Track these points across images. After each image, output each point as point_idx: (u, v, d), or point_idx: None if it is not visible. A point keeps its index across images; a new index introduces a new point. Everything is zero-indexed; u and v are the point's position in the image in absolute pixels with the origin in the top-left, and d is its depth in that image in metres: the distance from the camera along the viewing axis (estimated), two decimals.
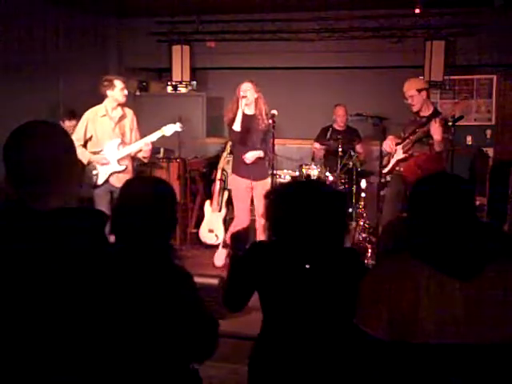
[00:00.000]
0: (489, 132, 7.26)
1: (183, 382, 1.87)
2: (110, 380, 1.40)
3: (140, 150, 4.94)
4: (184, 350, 1.82)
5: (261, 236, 5.12)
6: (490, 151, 7.00)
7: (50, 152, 1.41)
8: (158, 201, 1.89)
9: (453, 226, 1.61)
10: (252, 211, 5.33)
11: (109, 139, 4.90)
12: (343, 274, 1.99)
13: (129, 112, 5.04)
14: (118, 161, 4.89)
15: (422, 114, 4.93)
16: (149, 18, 7.67)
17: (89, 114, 4.97)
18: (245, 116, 5.00)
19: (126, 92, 4.92)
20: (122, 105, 4.95)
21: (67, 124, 5.80)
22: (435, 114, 4.87)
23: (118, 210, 1.92)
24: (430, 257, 1.59)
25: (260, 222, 5.10)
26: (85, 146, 4.93)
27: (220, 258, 5.41)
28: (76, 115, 5.86)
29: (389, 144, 5.02)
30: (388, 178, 5.19)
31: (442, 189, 1.66)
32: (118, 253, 1.79)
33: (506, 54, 6.79)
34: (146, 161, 5.24)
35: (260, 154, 5.04)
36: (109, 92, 4.86)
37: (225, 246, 5.43)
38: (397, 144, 5.01)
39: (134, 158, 5.07)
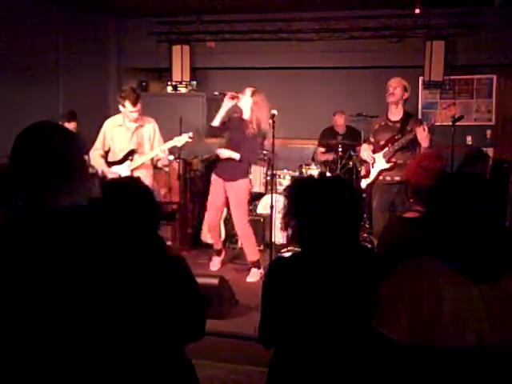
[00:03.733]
0: (489, 132, 7.25)
1: (177, 370, 1.93)
2: (109, 367, 1.42)
3: (159, 159, 4.97)
4: (178, 331, 1.91)
5: (244, 241, 5.23)
6: (490, 151, 6.99)
7: (62, 151, 1.44)
8: (137, 199, 2.02)
9: (476, 228, 1.58)
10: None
11: (126, 149, 4.92)
12: (361, 272, 1.94)
13: (149, 122, 5.00)
14: (132, 171, 4.88)
15: (392, 117, 4.79)
16: (149, 18, 7.67)
17: (107, 124, 5.01)
18: (239, 119, 5.06)
19: (135, 115, 4.82)
20: (140, 115, 4.92)
21: (66, 126, 5.77)
22: (408, 117, 4.78)
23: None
24: (452, 260, 1.57)
25: (238, 225, 5.19)
26: (107, 154, 4.99)
27: (214, 264, 5.45)
28: (75, 117, 5.86)
29: (368, 154, 4.89)
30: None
31: (465, 189, 1.62)
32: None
33: (506, 54, 6.79)
34: (166, 169, 5.28)
35: (235, 155, 5.01)
36: (120, 107, 4.86)
37: (218, 253, 5.45)
38: (373, 152, 4.88)
39: (155, 167, 5.08)
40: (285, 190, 2.17)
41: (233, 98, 4.96)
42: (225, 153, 5.05)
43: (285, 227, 2.05)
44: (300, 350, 1.92)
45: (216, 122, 5.07)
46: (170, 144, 4.95)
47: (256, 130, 4.95)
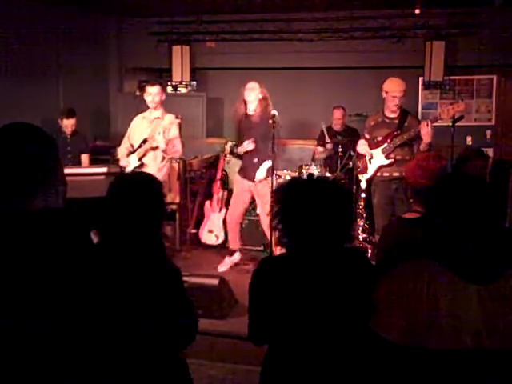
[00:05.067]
0: (489, 132, 7.26)
1: (169, 371, 1.92)
2: (100, 369, 1.41)
3: (164, 149, 5.04)
4: (167, 338, 1.88)
5: (268, 232, 5.16)
6: (490, 151, 6.99)
7: (35, 154, 1.41)
8: (145, 197, 1.99)
9: (474, 229, 1.57)
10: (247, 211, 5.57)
11: (141, 137, 5.12)
12: (352, 275, 1.94)
13: (168, 116, 5.13)
14: (140, 158, 5.07)
15: (389, 114, 4.81)
16: (149, 18, 7.67)
17: (135, 119, 5.29)
18: (247, 116, 5.08)
19: (150, 98, 5.08)
20: (162, 108, 5.17)
21: (65, 122, 5.78)
22: (405, 114, 4.81)
23: (107, 207, 1.98)
24: (449, 261, 1.56)
25: (264, 221, 5.19)
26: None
27: (225, 264, 5.37)
28: (75, 114, 5.86)
29: (365, 148, 4.90)
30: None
31: (465, 191, 1.62)
32: (107, 248, 1.88)
33: (506, 54, 6.79)
34: (167, 156, 5.18)
35: (249, 145, 5.03)
36: (144, 95, 5.15)
37: (231, 254, 5.40)
38: (371, 147, 4.88)
39: (165, 158, 5.17)
40: (274, 191, 2.16)
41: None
42: (243, 148, 5.10)
43: (274, 228, 2.06)
44: (289, 349, 1.93)
45: (241, 151, 5.19)
46: (162, 128, 5.01)
47: (266, 122, 4.89)
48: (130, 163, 5.09)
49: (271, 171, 4.84)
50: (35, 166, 1.41)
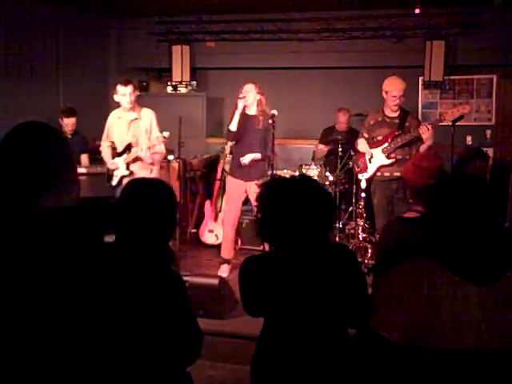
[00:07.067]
0: (489, 132, 7.25)
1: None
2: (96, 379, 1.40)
3: (151, 162, 4.93)
4: (167, 353, 1.82)
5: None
6: (490, 151, 6.99)
7: (47, 153, 1.41)
8: (157, 204, 1.92)
9: (474, 229, 1.58)
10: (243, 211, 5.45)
11: (124, 141, 4.96)
12: (337, 270, 1.96)
13: (146, 114, 4.96)
14: (127, 164, 4.92)
15: (390, 113, 4.83)
16: (149, 18, 7.67)
17: (110, 116, 5.10)
18: (245, 116, 5.01)
19: (127, 99, 4.81)
20: (138, 106, 4.95)
21: (66, 121, 5.79)
22: (405, 114, 4.83)
23: (117, 211, 1.94)
24: (450, 260, 1.57)
25: None
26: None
27: (224, 270, 5.19)
28: (75, 112, 5.87)
29: (365, 147, 4.92)
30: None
31: (465, 191, 1.62)
32: (114, 252, 1.83)
33: (506, 54, 6.79)
34: (154, 168, 5.00)
35: (256, 156, 4.99)
36: (115, 97, 4.91)
37: (228, 262, 5.22)
38: (370, 147, 4.89)
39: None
40: (258, 189, 2.19)
41: (243, 97, 4.94)
42: (248, 158, 4.98)
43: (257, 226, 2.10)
44: (277, 346, 1.95)
45: (233, 127, 4.99)
46: (148, 143, 4.87)
47: (266, 122, 4.90)
48: (118, 166, 4.93)
49: (271, 171, 4.84)
50: (47, 165, 1.40)
